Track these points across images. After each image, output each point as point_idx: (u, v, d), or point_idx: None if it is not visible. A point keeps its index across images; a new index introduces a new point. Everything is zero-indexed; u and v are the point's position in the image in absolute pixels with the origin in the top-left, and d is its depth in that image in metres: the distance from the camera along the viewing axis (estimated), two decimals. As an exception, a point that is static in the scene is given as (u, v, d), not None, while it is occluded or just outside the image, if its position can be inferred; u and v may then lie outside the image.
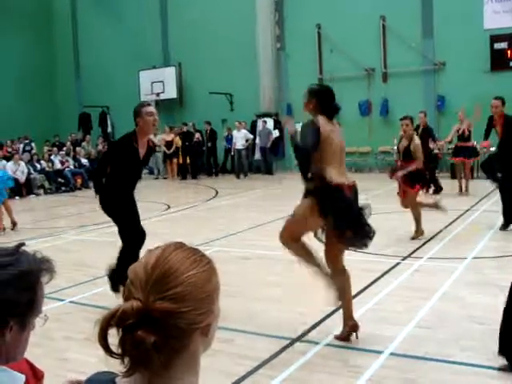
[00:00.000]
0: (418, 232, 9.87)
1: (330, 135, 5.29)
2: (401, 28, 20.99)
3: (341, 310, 5.81)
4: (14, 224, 12.38)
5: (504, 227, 10.09)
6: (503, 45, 19.81)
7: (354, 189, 5.38)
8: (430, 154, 14.25)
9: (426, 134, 14.58)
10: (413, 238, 9.74)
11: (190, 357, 1.30)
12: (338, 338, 5.39)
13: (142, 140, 6.79)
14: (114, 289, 6.59)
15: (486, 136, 10.95)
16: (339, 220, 5.20)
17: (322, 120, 5.29)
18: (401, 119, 10.14)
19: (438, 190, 15.04)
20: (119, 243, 6.86)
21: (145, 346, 1.20)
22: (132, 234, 6.80)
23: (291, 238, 5.49)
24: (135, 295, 1.24)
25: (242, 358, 5.01)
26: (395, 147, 20.23)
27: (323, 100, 5.39)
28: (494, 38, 19.83)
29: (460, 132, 15.01)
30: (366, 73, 22.05)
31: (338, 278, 5.41)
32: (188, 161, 23.42)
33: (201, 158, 23.92)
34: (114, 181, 6.79)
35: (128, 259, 6.52)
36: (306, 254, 5.54)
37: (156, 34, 26.53)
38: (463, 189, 15.09)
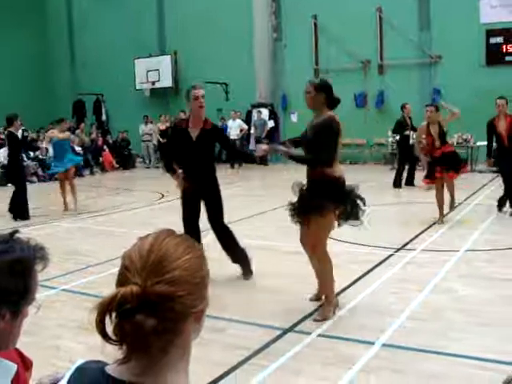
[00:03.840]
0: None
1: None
2: (397, 20, 20.96)
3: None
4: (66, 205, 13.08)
5: None
6: (499, 39, 19.80)
7: None
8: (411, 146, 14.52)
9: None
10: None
11: (183, 344, 1.31)
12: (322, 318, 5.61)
13: (195, 122, 6.90)
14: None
15: (489, 151, 11.01)
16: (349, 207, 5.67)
17: (334, 115, 5.64)
18: (426, 105, 10.63)
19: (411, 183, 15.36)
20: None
21: (144, 331, 1.21)
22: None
23: (325, 247, 5.76)
24: (132, 280, 1.25)
25: (234, 347, 5.01)
26: (390, 139, 20.38)
27: (330, 94, 5.69)
28: (490, 33, 19.82)
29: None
30: (362, 64, 22.03)
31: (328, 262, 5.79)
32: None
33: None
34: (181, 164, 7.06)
35: None
36: (331, 268, 5.82)
37: (152, 23, 26.41)
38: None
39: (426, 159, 10.34)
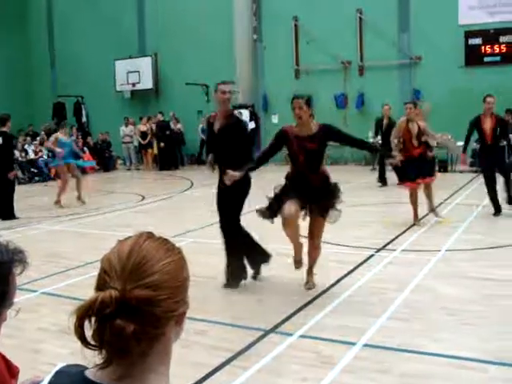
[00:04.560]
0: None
1: None
2: (377, 22, 21.06)
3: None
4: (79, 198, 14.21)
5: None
6: (477, 40, 20.00)
7: None
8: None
9: (391, 126, 15.21)
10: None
11: (164, 347, 1.30)
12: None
13: (220, 115, 6.99)
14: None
15: (466, 144, 11.14)
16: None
17: None
18: (405, 103, 10.64)
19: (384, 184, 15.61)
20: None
21: (124, 335, 1.19)
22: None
23: None
24: (111, 284, 1.23)
25: (216, 349, 5.00)
26: (370, 140, 20.45)
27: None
28: (469, 34, 20.01)
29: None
30: (343, 65, 22.10)
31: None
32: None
33: (180, 149, 23.93)
34: None
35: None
36: None
37: (132, 24, 26.29)
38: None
39: (399, 157, 10.28)
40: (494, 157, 10.63)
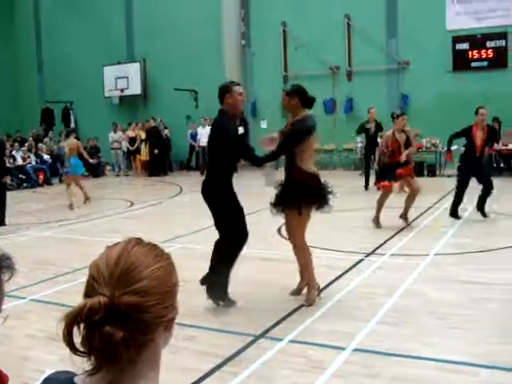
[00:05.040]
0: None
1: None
2: (366, 27, 21.15)
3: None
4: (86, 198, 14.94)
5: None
6: (465, 46, 20.15)
7: None
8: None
9: (378, 128, 15.89)
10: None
11: (153, 353, 1.29)
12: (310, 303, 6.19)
13: (233, 117, 6.68)
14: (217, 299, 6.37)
15: (450, 144, 11.36)
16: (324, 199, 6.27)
17: (309, 114, 6.33)
18: (397, 116, 10.80)
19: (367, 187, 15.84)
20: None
21: (113, 342, 1.19)
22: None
23: (304, 239, 6.32)
24: (100, 291, 1.23)
25: (206, 354, 4.99)
26: (359, 145, 20.54)
27: (303, 96, 6.25)
28: (456, 39, 20.14)
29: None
30: (331, 71, 22.16)
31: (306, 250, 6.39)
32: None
33: (168, 155, 23.90)
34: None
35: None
36: (310, 256, 6.43)
37: (121, 29, 26.25)
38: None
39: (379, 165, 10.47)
40: (476, 166, 10.71)
